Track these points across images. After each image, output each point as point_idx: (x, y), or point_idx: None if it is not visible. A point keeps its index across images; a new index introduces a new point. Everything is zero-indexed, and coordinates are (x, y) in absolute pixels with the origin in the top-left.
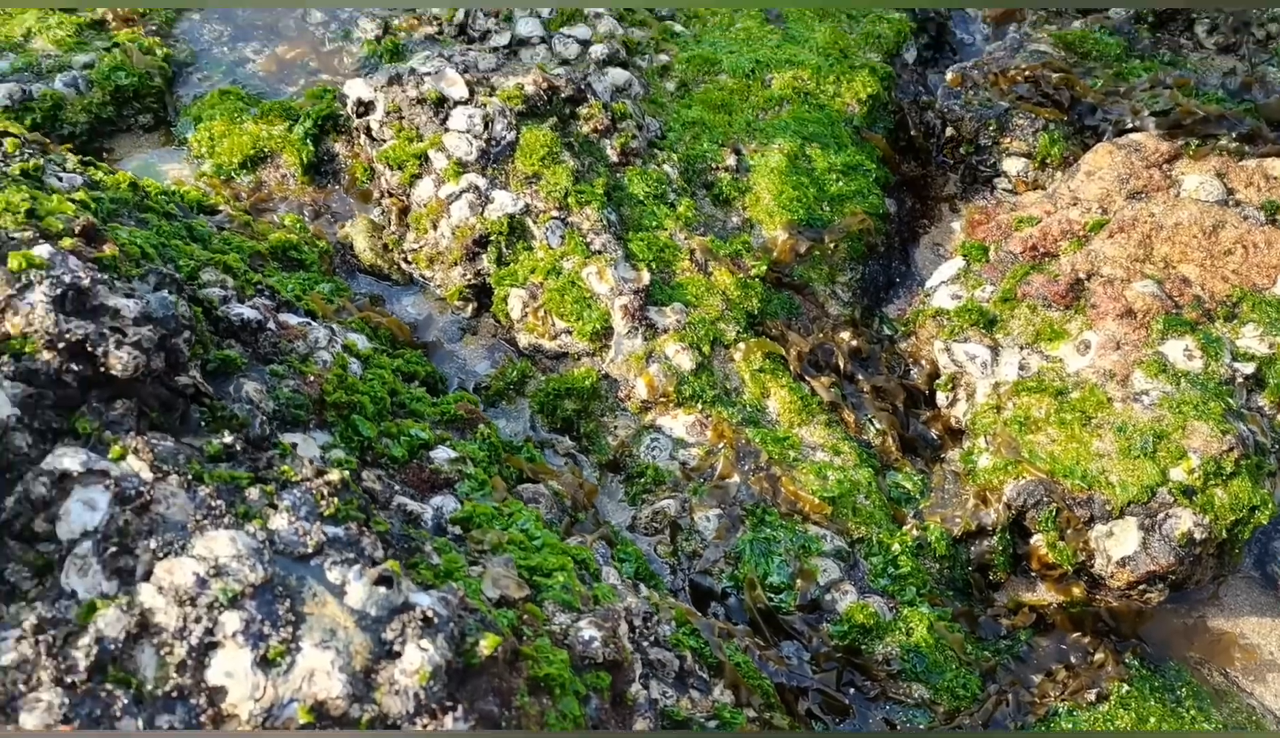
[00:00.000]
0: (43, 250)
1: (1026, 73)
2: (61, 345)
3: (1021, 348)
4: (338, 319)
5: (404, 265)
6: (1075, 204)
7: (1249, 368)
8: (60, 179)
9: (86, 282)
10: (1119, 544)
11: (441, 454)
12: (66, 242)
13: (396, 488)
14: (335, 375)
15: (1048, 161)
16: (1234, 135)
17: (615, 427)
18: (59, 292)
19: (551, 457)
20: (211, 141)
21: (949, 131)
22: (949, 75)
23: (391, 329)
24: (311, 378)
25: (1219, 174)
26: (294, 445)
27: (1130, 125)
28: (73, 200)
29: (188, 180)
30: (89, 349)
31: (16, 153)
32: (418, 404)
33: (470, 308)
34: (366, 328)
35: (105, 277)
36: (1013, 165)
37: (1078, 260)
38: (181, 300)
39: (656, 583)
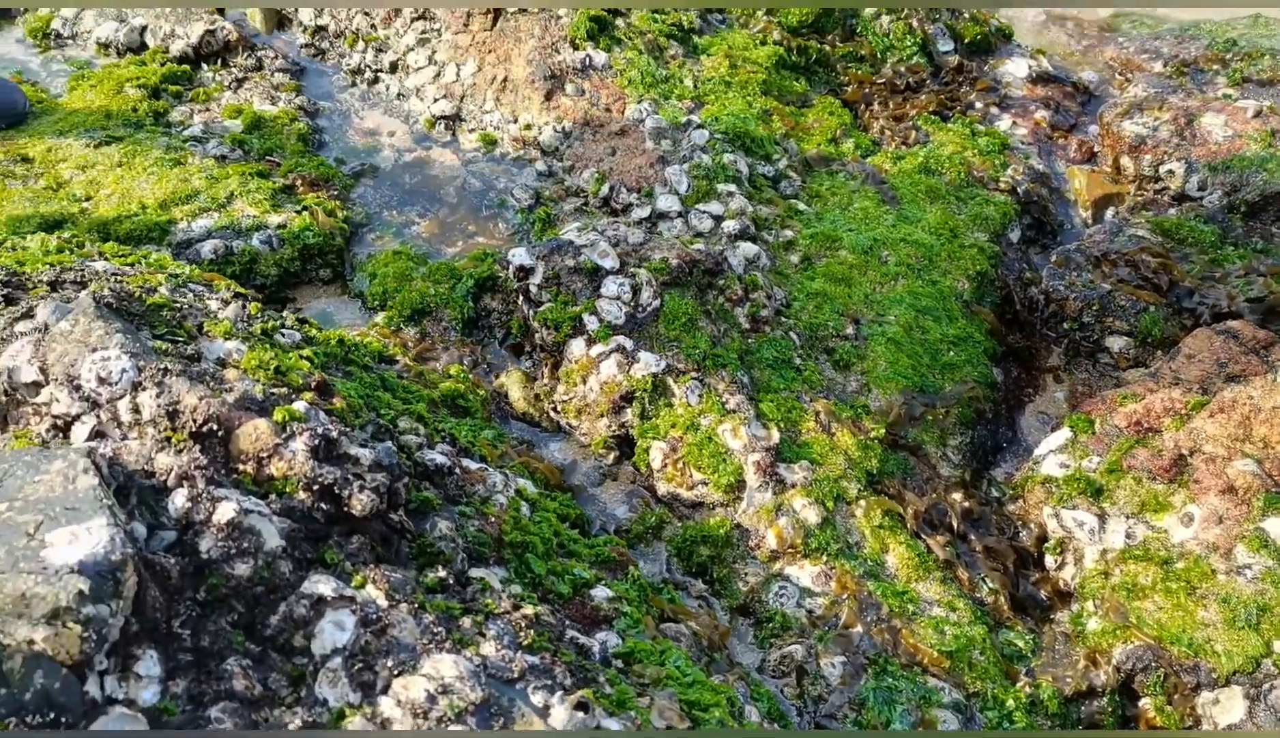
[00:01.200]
0: (300, 405)
1: (1127, 257)
2: (316, 488)
3: (1128, 517)
4: (502, 463)
5: (553, 414)
6: (1177, 384)
7: None
8: (284, 336)
9: (335, 434)
10: (1225, 712)
11: (600, 593)
12: (307, 396)
13: (567, 622)
14: (511, 517)
15: (1148, 340)
16: None
17: (746, 573)
18: (315, 442)
19: (686, 598)
20: (385, 295)
21: (1052, 308)
22: (1054, 257)
23: (546, 473)
24: (492, 518)
25: None
26: (481, 578)
27: (1226, 309)
28: (302, 357)
29: (360, 329)
30: (336, 491)
31: (258, 315)
32: (575, 545)
33: (612, 456)
34: (526, 472)
35: (346, 429)
36: (1115, 342)
37: (1180, 437)
38: (396, 449)
39: (786, 723)
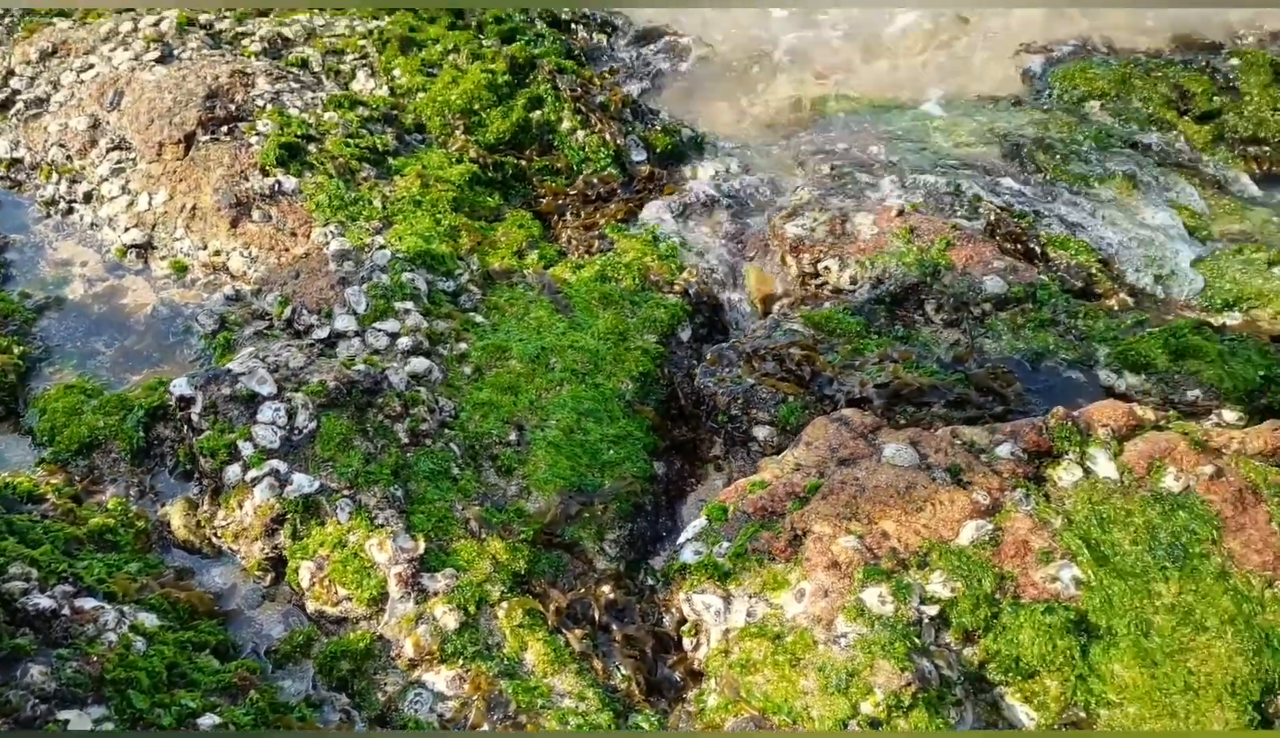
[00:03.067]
0: None
1: (774, 351)
2: None
3: (750, 597)
4: (138, 597)
5: (214, 540)
6: (798, 470)
7: (934, 610)
8: None
9: None
10: None
11: (207, 721)
12: None
13: None
14: (118, 655)
15: (788, 429)
16: (943, 403)
17: (386, 683)
18: None
19: (329, 712)
20: (53, 431)
21: (708, 403)
22: (708, 355)
23: (192, 602)
24: (95, 658)
25: (913, 442)
26: (66, 722)
27: (859, 395)
28: None
29: (28, 466)
30: None
31: None
32: (198, 673)
33: (269, 578)
34: (165, 603)
35: None
36: (761, 432)
37: (797, 519)
38: None
39: None
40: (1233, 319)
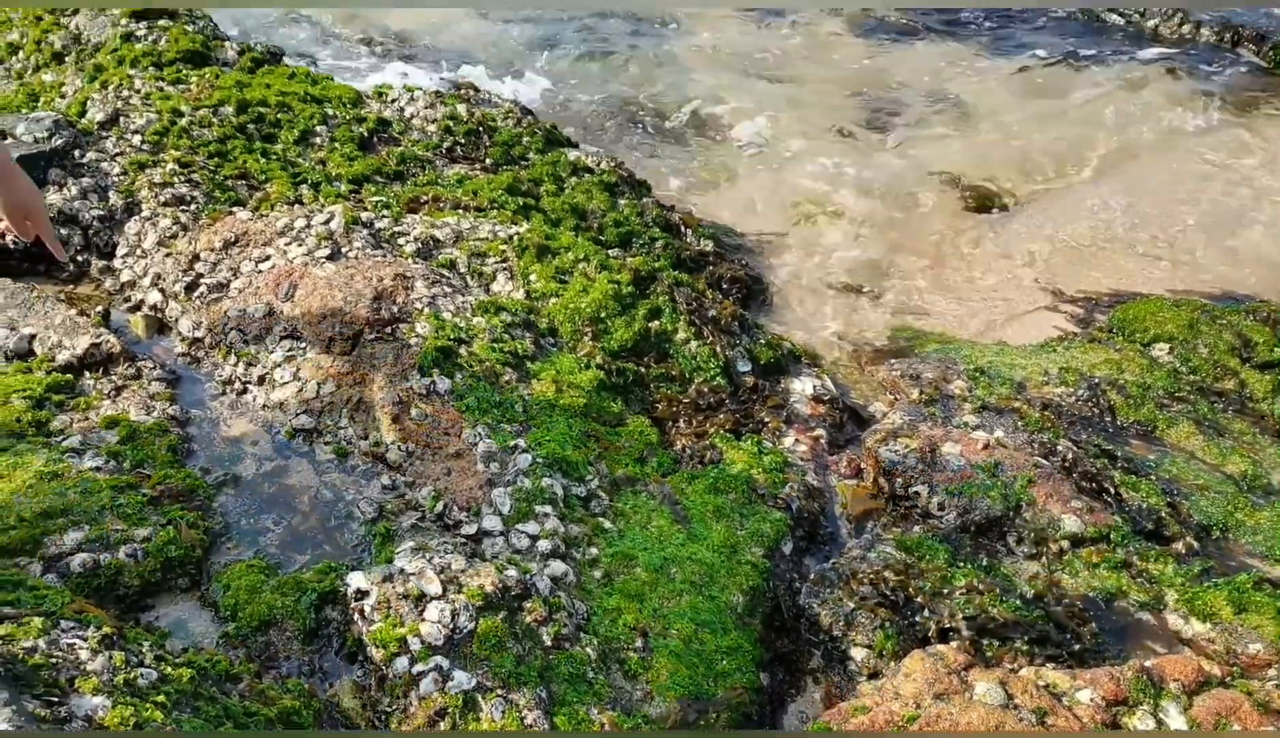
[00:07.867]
0: None
1: (871, 577)
2: None
3: None
4: None
5: (377, 724)
6: (896, 698)
7: None
8: (143, 677)
9: None
10: None
11: None
12: None
13: None
14: None
15: (883, 654)
16: (1026, 639)
17: None
18: None
19: None
20: (235, 607)
21: (809, 620)
22: (812, 575)
23: None
24: None
25: (1001, 682)
26: None
27: (948, 625)
28: (157, 702)
29: (210, 637)
30: None
31: (122, 666)
32: None
33: None
34: None
35: None
36: (858, 653)
37: None
38: None
39: None
40: None
